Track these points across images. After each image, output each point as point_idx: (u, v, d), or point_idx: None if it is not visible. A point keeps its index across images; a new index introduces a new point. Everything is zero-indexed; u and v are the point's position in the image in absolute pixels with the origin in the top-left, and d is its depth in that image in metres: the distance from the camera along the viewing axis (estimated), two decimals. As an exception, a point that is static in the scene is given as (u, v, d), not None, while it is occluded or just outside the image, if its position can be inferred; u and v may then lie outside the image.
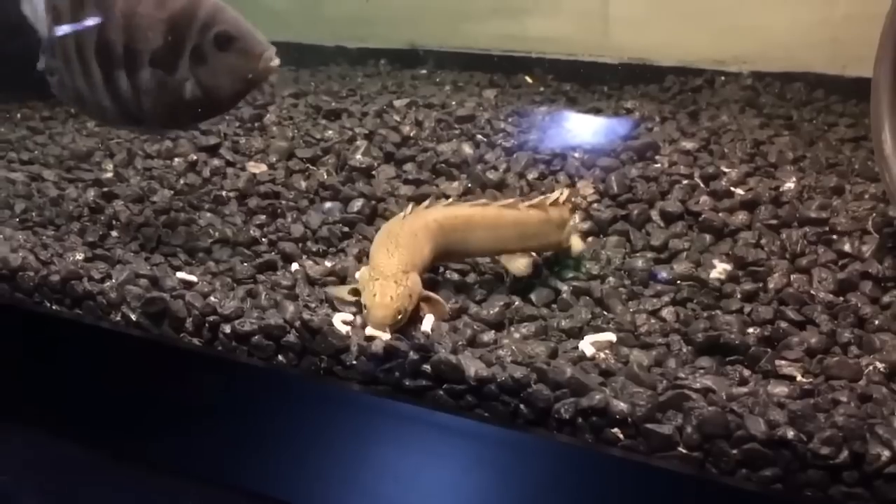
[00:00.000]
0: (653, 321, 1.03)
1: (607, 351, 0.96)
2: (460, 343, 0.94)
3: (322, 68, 2.06)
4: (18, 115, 1.70)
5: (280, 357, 0.97)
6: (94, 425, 1.09)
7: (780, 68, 1.86)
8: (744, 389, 0.86)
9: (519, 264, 1.08)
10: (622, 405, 0.82)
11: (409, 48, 2.13)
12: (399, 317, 0.93)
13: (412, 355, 0.90)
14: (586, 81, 1.96)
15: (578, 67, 2.01)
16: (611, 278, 1.12)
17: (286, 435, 0.98)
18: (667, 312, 1.04)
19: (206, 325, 0.99)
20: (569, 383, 0.85)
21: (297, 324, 0.95)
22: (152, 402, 1.05)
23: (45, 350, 1.09)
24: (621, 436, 0.83)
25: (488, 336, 0.98)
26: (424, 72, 2.01)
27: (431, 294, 1.00)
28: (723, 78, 1.88)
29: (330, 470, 0.97)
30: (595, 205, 1.26)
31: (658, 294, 1.08)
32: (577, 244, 1.14)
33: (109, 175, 1.37)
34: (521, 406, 0.86)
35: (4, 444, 1.16)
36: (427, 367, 0.89)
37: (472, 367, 0.88)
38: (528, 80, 1.99)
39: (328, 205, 1.27)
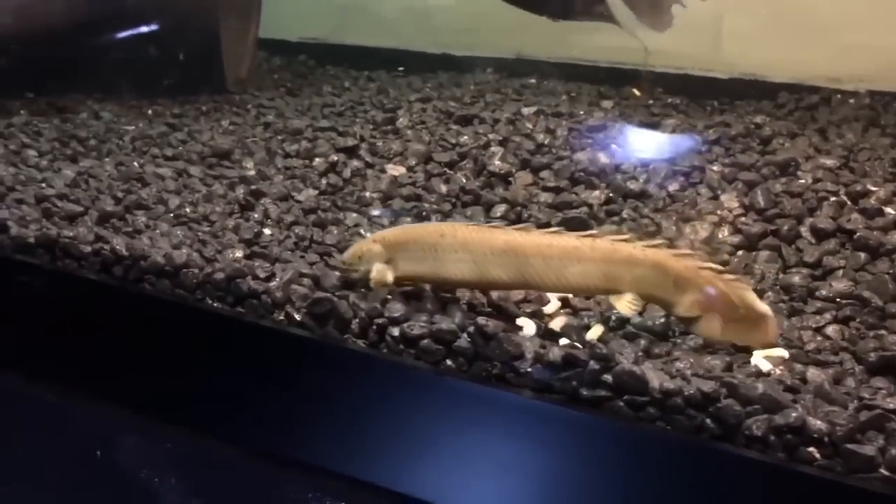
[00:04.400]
0: (819, 338, 1.01)
1: (781, 367, 0.95)
2: (639, 353, 0.93)
3: (430, 75, 2.07)
4: (150, 112, 1.73)
5: (449, 361, 0.96)
6: (242, 423, 1.10)
7: (898, 88, 1.83)
8: (940, 412, 0.84)
9: (625, 305, 0.98)
10: (820, 424, 0.81)
11: (516, 58, 2.13)
12: (345, 264, 1.04)
13: (592, 365, 0.89)
14: (695, 95, 1.95)
15: (687, 81, 2.00)
16: (769, 293, 1.10)
17: (447, 439, 0.98)
18: (831, 330, 1.03)
19: (374, 327, 0.99)
20: (761, 399, 0.84)
21: (471, 329, 0.95)
22: (304, 401, 1.05)
23: (200, 347, 1.09)
24: (818, 455, 0.81)
25: (659, 348, 0.97)
26: (533, 81, 2.00)
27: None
28: (839, 96, 1.86)
29: (496, 476, 0.96)
30: (742, 218, 1.25)
31: (819, 311, 1.07)
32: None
33: (252, 173, 1.38)
34: (708, 421, 0.85)
35: (149, 440, 1.17)
36: (608, 377, 0.88)
37: (656, 378, 0.87)
38: (636, 92, 1.98)
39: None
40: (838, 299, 1.08)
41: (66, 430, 1.16)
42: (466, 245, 0.97)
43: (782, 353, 0.97)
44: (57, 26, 1.73)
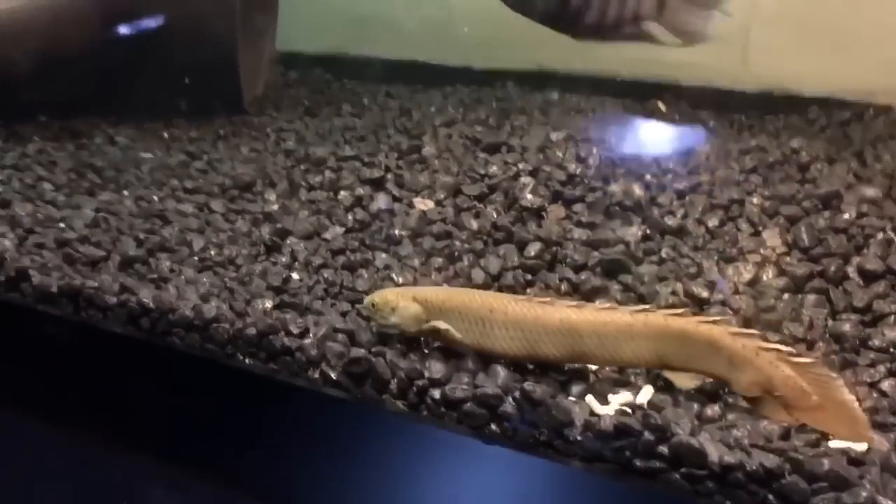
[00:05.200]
0: (875, 395, 0.97)
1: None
2: (694, 421, 0.89)
3: (449, 88, 2.02)
4: (166, 135, 1.68)
5: (493, 426, 0.92)
6: (274, 481, 1.06)
7: (932, 102, 1.78)
8: None
9: (683, 381, 0.96)
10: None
11: (537, 70, 2.08)
12: (373, 307, 1.01)
13: (647, 435, 0.85)
14: (722, 109, 1.90)
15: (713, 95, 1.95)
16: (820, 344, 1.06)
17: None
18: (887, 385, 0.99)
19: (414, 388, 0.95)
20: (827, 476, 0.80)
21: (517, 394, 0.91)
22: (339, 462, 1.01)
23: (231, 404, 1.05)
24: (887, 537, 0.77)
25: (712, 410, 0.93)
26: (556, 97, 1.95)
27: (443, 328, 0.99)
28: (871, 111, 1.81)
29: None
30: (786, 258, 1.20)
31: (873, 363, 1.03)
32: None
33: (275, 207, 1.34)
34: (771, 496, 0.81)
35: (179, 496, 1.14)
36: (664, 448, 0.85)
37: (715, 452, 0.83)
38: (661, 106, 1.93)
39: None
40: (892, 349, 1.04)
41: (95, 483, 1.13)
42: (518, 323, 0.96)
43: (862, 447, 0.88)
44: (71, 48, 1.68)
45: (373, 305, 1.02)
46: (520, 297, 1.01)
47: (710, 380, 0.96)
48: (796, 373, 0.90)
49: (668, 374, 0.96)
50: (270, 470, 1.05)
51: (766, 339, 0.93)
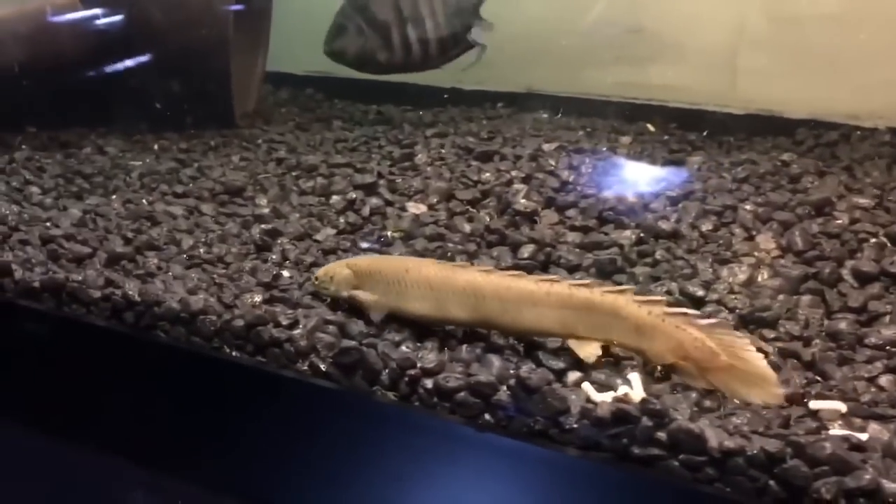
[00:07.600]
0: (873, 389, 0.96)
1: (840, 422, 0.89)
2: (695, 409, 0.87)
3: (440, 110, 2.02)
4: (156, 147, 1.68)
5: (487, 416, 0.90)
6: (263, 480, 1.03)
7: (918, 125, 1.80)
8: None
9: (586, 350, 0.95)
10: (895, 487, 0.75)
11: (526, 92, 2.09)
12: (317, 281, 1.08)
13: (645, 421, 0.83)
14: (711, 131, 1.91)
15: (702, 117, 1.96)
16: (817, 341, 1.05)
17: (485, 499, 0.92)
18: (885, 381, 0.97)
19: (406, 378, 0.93)
20: (830, 460, 0.78)
21: (512, 382, 0.89)
22: (330, 457, 0.99)
23: (217, 399, 1.03)
24: (894, 521, 0.75)
25: (711, 400, 0.91)
26: (546, 116, 1.96)
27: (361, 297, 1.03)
28: (858, 133, 1.82)
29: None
30: (780, 261, 1.20)
31: (870, 360, 1.01)
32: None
33: (266, 211, 1.32)
34: (772, 482, 0.79)
35: (161, 497, 1.10)
36: (662, 434, 0.83)
37: (715, 437, 0.81)
38: (650, 128, 1.94)
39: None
40: (888, 347, 1.03)
41: (73, 485, 1.09)
42: (429, 282, 0.99)
43: (838, 406, 0.91)
44: (61, 59, 1.68)
45: (316, 279, 1.08)
46: (440, 261, 1.05)
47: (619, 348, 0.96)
48: (704, 335, 0.90)
49: (571, 343, 0.95)
50: (260, 468, 1.02)
51: (670, 304, 0.92)
